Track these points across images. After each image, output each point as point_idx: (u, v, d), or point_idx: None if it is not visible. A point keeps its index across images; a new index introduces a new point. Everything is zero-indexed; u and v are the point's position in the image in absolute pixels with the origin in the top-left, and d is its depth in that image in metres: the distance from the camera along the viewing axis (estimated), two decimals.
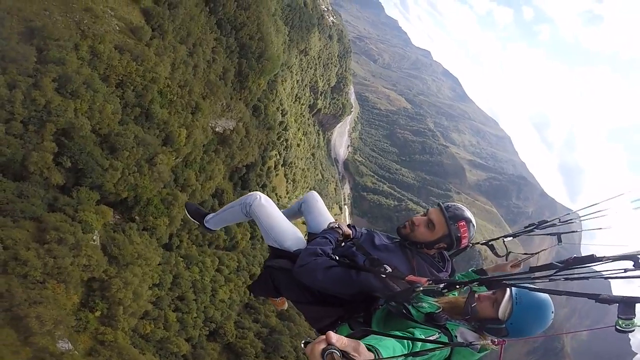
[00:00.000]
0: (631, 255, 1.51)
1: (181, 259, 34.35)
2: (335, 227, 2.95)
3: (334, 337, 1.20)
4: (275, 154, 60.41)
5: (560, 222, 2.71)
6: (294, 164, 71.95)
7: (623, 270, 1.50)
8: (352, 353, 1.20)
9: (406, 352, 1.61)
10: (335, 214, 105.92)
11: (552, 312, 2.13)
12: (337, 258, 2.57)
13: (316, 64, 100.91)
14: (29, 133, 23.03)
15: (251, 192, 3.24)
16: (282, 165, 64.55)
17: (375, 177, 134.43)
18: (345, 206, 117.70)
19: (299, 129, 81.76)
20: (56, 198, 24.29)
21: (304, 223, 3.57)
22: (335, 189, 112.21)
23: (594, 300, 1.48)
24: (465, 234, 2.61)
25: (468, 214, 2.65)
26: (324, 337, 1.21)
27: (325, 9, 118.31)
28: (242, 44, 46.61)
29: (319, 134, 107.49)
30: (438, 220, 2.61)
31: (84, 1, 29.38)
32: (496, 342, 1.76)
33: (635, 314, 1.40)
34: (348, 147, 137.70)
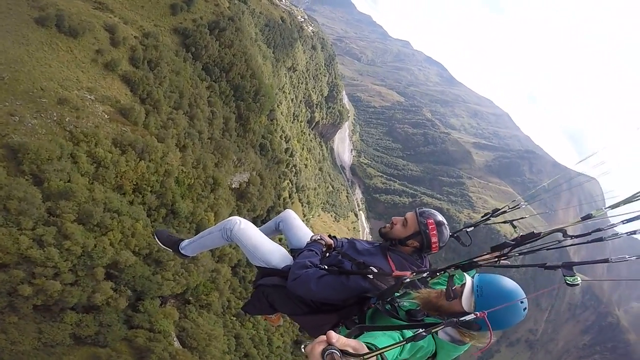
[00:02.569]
0: (560, 229, 1.87)
1: (234, 318, 35.63)
2: (318, 239, 3.17)
3: (333, 336, 1.22)
4: (288, 184, 58.62)
5: (509, 208, 2.91)
6: (306, 186, 70.22)
7: (557, 242, 1.88)
8: (352, 351, 1.23)
9: (399, 341, 1.70)
10: (352, 222, 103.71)
11: (523, 298, 2.06)
12: (326, 267, 2.76)
13: (306, 77, 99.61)
14: (82, 279, 23.59)
15: (230, 217, 3.32)
16: (295, 192, 62.76)
17: (384, 176, 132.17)
18: (360, 212, 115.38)
19: (302, 148, 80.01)
20: (129, 316, 26.67)
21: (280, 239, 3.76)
22: (347, 196, 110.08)
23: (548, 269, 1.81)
24: (434, 232, 2.81)
25: (440, 217, 2.89)
26: (323, 337, 1.24)
27: (302, 20, 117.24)
28: (235, 85, 45.79)
29: (321, 146, 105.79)
30: (411, 218, 2.90)
31: (54, 91, 26.08)
32: (479, 315, 1.80)
33: (574, 273, 1.70)
34: (352, 152, 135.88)
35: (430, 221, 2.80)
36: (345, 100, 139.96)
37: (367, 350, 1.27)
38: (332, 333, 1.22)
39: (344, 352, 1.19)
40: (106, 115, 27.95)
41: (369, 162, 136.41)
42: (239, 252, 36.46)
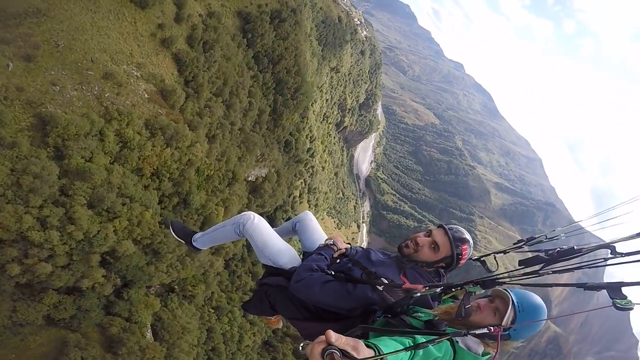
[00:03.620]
0: (608, 244, 1.68)
1: (212, 310, 36.08)
2: (330, 244, 3.08)
3: (333, 336, 1.21)
4: (301, 183, 60.00)
5: (546, 238, 2.74)
6: (318, 188, 71.40)
7: (603, 260, 1.67)
8: (352, 352, 1.21)
9: (407, 346, 1.61)
10: (353, 232, 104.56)
11: (545, 312, 2.20)
12: (333, 273, 2.66)
13: (346, 80, 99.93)
14: (75, 263, 23.30)
15: (244, 212, 3.30)
16: (307, 193, 64.07)
17: (397, 195, 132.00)
18: (364, 224, 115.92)
19: (324, 150, 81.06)
20: (111, 302, 26.73)
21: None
22: (354, 206, 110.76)
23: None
24: (465, 254, 2.74)
25: (468, 236, 2.77)
26: (323, 337, 1.21)
27: (358, 22, 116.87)
28: (278, 79, 45.97)
29: (342, 151, 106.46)
30: (443, 242, 2.70)
31: (103, 64, 25.27)
32: (493, 330, 1.82)
33: (624, 296, 1.51)
34: (371, 163, 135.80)
35: (465, 247, 2.72)
36: (379, 111, 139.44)
37: (368, 352, 1.26)
38: (331, 332, 1.21)
39: (343, 352, 1.19)
40: (146, 95, 27.68)
41: (386, 177, 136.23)
42: (236, 246, 37.55)
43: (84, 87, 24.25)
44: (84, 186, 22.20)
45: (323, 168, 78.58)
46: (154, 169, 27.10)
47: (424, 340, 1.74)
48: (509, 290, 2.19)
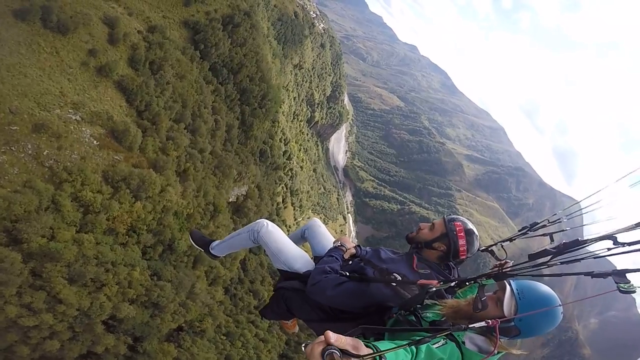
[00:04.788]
0: (610, 235, 1.72)
1: (224, 337, 34.93)
2: (338, 245, 3.16)
3: (332, 336, 1.22)
4: (282, 188, 59.08)
5: (549, 222, 2.79)
6: (300, 189, 70.68)
7: (606, 249, 1.71)
8: (351, 351, 1.22)
9: (403, 344, 1.60)
10: (340, 225, 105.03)
11: (561, 305, 2.08)
12: (347, 274, 2.70)
13: (311, 76, 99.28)
14: (80, 334, 22.32)
15: (259, 220, 3.37)
16: (289, 196, 63.18)
17: (376, 181, 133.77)
18: (349, 214, 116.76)
19: (300, 150, 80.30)
20: (129, 357, 25.65)
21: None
22: (337, 198, 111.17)
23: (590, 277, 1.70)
24: (461, 234, 2.76)
25: (470, 225, 2.83)
26: (322, 337, 1.23)
27: (314, 15, 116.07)
28: (242, 89, 43.51)
29: (317, 145, 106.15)
30: (438, 222, 2.91)
31: (28, 113, 20.02)
32: (490, 323, 1.79)
33: (628, 280, 1.59)
34: (346, 153, 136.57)
35: (458, 223, 2.80)
36: (346, 100, 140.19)
37: (367, 350, 1.28)
38: (330, 333, 1.22)
39: (343, 352, 1.20)
40: (95, 142, 23.38)
41: (362, 165, 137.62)
42: (231, 271, 36.61)
43: (13, 148, 19.63)
44: (57, 267, 19.90)
45: (301, 167, 77.93)
46: (128, 225, 24.68)
47: (423, 337, 1.76)
48: (508, 280, 2.16)
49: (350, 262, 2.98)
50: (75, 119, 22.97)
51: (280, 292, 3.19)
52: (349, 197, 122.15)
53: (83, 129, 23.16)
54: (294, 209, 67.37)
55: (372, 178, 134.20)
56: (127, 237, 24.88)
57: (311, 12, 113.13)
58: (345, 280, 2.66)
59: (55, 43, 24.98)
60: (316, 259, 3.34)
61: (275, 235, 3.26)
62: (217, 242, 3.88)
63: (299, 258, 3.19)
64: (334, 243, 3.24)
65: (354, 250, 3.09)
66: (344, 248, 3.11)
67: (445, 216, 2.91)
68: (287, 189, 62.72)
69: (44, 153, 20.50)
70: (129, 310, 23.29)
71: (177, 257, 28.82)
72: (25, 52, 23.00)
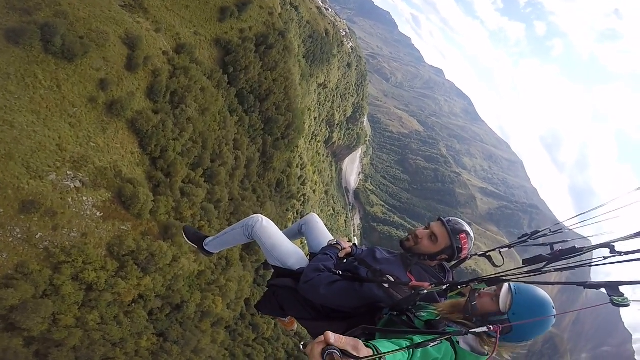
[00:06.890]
0: (607, 244, 1.70)
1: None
2: (334, 243, 3.13)
3: (332, 336, 1.23)
4: (292, 215, 57.89)
5: (550, 232, 2.73)
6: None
7: (602, 258, 1.70)
8: (351, 351, 1.23)
9: (404, 346, 1.61)
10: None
11: (554, 308, 2.10)
12: (340, 273, 2.68)
13: (334, 95, 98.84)
14: None
15: (253, 215, 3.32)
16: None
17: (386, 206, 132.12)
18: (355, 237, 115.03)
19: (314, 172, 79.10)
20: None
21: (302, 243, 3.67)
22: (345, 221, 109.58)
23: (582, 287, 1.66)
24: (466, 245, 2.73)
25: (467, 227, 2.77)
26: (322, 337, 1.23)
27: (344, 33, 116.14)
28: (267, 118, 41.24)
29: (331, 166, 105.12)
30: (441, 233, 2.72)
31: (14, 189, 15.84)
32: (492, 329, 1.81)
33: (622, 293, 1.55)
34: (359, 175, 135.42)
35: (463, 236, 2.70)
36: (365, 122, 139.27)
37: (367, 351, 1.27)
38: (329, 333, 1.22)
39: (343, 352, 1.19)
40: (98, 213, 19.50)
41: (374, 189, 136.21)
42: (235, 311, 35.33)
43: None
44: (63, 351, 18.38)
45: (314, 191, 76.80)
46: (137, 295, 22.70)
47: (422, 340, 1.71)
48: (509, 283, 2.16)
49: (345, 261, 2.96)
50: (75, 186, 18.58)
51: (272, 289, 3.15)
52: (357, 220, 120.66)
53: (84, 198, 18.99)
54: None
55: (383, 203, 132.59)
56: (133, 305, 22.85)
57: (341, 30, 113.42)
58: (338, 279, 2.63)
59: (58, 73, 19.63)
60: (312, 255, 3.30)
61: (270, 230, 3.20)
62: (210, 238, 3.83)
63: (293, 254, 3.14)
64: (329, 241, 3.20)
65: (349, 249, 3.05)
66: (339, 246, 3.07)
67: (445, 222, 2.74)
68: (297, 214, 61.62)
69: (37, 236, 16.86)
70: None
71: (184, 316, 26.91)
72: (16, 88, 17.31)
